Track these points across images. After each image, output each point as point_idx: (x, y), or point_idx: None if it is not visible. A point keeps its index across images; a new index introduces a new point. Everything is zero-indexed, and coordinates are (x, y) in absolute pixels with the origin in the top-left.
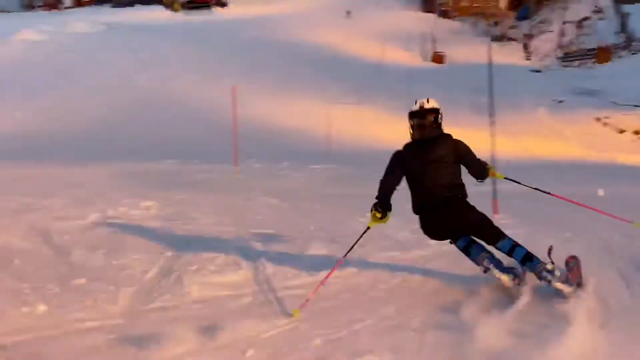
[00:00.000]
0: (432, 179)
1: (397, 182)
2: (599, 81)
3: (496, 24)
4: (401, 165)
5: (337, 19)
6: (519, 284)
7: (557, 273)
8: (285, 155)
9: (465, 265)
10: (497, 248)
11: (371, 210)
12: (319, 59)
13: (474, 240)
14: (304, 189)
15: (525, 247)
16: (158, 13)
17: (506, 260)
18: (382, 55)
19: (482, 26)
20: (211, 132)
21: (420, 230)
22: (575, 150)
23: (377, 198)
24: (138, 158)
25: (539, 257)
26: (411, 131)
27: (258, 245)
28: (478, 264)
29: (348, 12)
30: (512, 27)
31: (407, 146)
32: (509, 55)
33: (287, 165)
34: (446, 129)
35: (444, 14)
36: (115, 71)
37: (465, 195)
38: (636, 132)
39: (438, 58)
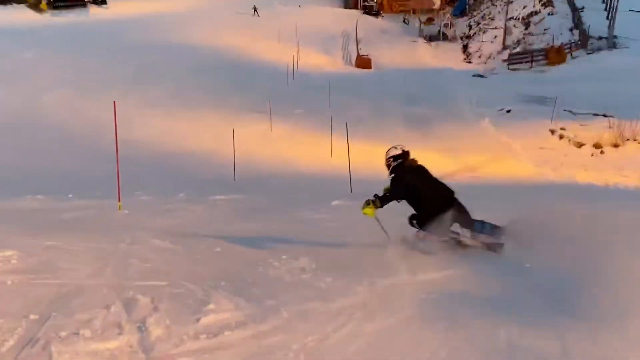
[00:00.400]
0: None
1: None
2: (552, 86)
3: (430, 21)
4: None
5: (241, 16)
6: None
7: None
8: (181, 184)
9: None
10: None
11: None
12: (219, 65)
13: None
14: (203, 226)
15: None
16: (19, 14)
17: None
18: (296, 60)
19: (413, 24)
20: (89, 159)
21: (345, 277)
22: (528, 169)
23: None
24: None
25: None
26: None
27: (145, 302)
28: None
29: (254, 9)
30: (448, 25)
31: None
32: (446, 57)
33: (183, 198)
34: (374, 145)
35: (369, 11)
36: None
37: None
38: (596, 146)
39: (363, 62)
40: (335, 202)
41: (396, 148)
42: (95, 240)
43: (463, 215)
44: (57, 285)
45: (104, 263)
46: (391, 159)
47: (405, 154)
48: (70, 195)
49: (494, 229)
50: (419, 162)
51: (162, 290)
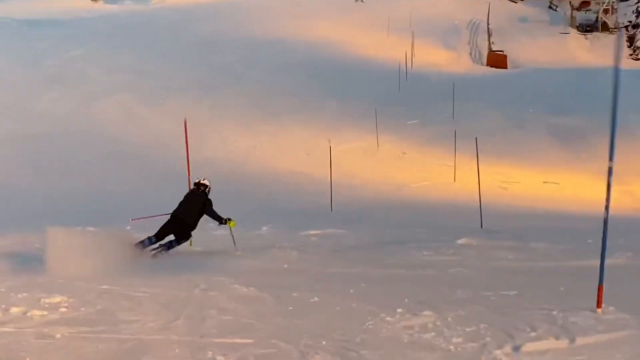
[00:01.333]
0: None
1: None
2: None
3: (584, 5)
4: None
5: (341, 4)
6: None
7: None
8: (266, 215)
9: None
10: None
11: None
12: (312, 64)
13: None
14: (294, 269)
15: None
16: (67, 2)
17: None
18: (409, 56)
19: (562, 10)
20: (148, 180)
21: (479, 337)
22: None
23: None
24: (36, 222)
25: None
26: None
27: None
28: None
29: None
30: (608, 11)
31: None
32: (605, 53)
33: (268, 231)
34: (510, 166)
35: None
36: (3, 89)
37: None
38: None
39: (496, 59)
40: (461, 241)
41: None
42: (161, 285)
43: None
44: (116, 341)
45: (174, 314)
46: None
47: (198, 186)
48: (129, 228)
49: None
50: None
51: (247, 349)
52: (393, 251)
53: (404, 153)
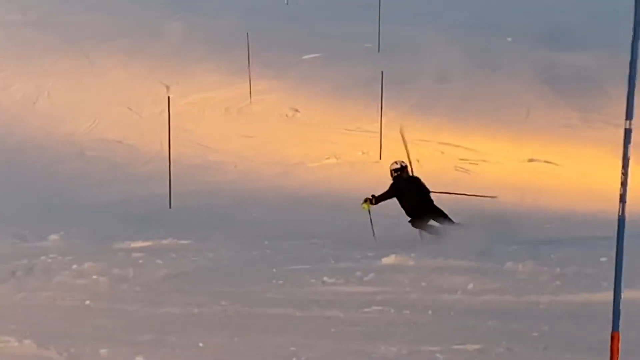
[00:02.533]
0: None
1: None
2: None
3: None
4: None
5: None
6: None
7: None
8: (55, 215)
9: None
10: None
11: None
12: None
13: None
14: (102, 308)
15: None
16: None
17: None
18: None
19: None
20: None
21: None
22: None
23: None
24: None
25: None
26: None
27: None
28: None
29: None
30: None
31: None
32: None
33: (59, 243)
34: (471, 133)
35: None
36: None
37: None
38: None
39: None
40: (388, 259)
41: (396, 163)
42: None
43: (437, 216)
44: None
45: None
46: (393, 172)
47: (403, 168)
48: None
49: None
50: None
51: None
52: (272, 276)
53: (296, 111)
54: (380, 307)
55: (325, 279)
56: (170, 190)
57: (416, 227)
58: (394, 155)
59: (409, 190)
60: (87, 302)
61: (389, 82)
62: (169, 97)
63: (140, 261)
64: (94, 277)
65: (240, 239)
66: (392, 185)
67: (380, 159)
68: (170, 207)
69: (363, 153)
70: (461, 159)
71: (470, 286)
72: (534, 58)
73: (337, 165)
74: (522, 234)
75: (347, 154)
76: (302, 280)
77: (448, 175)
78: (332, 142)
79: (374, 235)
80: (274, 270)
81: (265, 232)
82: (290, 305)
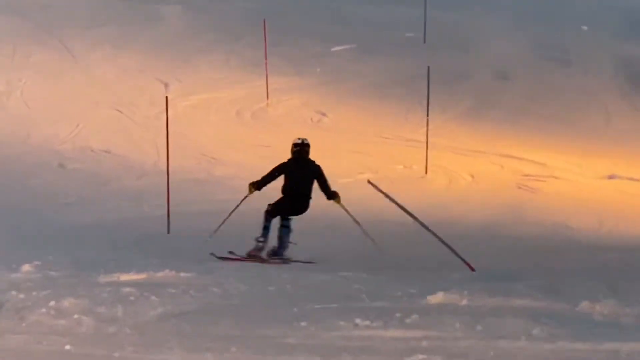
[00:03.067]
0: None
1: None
2: None
3: None
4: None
5: None
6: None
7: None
8: (29, 241)
9: None
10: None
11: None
12: None
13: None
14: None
15: None
16: None
17: None
18: None
19: None
20: None
21: None
22: None
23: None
24: None
25: None
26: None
27: None
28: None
29: None
30: None
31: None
32: None
33: (32, 277)
34: (538, 142)
35: None
36: None
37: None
38: None
39: None
40: (436, 297)
41: (298, 139)
42: None
43: (294, 211)
44: None
45: None
46: (293, 146)
47: (304, 145)
48: None
49: (284, 242)
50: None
51: None
52: (293, 317)
53: (323, 114)
54: (425, 356)
55: (357, 321)
56: (168, 211)
57: (269, 217)
58: (442, 169)
59: (297, 173)
60: (68, 347)
61: (436, 80)
62: (167, 98)
63: (132, 298)
64: (76, 316)
65: (253, 271)
66: (281, 164)
67: (426, 174)
68: (168, 232)
69: (405, 167)
70: (525, 174)
71: (536, 331)
72: (613, 51)
73: (376, 179)
74: (599, 267)
75: (385, 167)
76: (330, 323)
77: (509, 194)
78: (367, 154)
79: (372, 241)
80: (295, 309)
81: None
82: (316, 352)
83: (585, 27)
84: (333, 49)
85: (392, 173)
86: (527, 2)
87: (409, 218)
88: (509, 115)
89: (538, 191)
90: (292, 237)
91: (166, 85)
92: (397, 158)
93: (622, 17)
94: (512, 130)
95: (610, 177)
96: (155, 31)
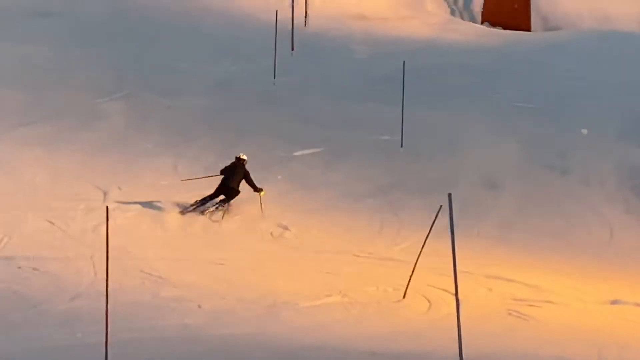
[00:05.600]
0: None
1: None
2: None
3: None
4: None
5: None
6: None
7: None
8: None
9: None
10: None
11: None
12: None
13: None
14: None
15: None
16: None
17: None
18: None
19: None
20: None
21: None
22: None
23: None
24: None
25: None
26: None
27: None
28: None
29: None
30: None
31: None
32: None
33: None
34: (530, 261)
35: None
36: None
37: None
38: None
39: (505, 9)
40: None
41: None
42: None
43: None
44: None
45: None
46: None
47: (239, 161)
48: None
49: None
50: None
51: None
52: None
53: (285, 228)
54: None
55: None
56: (106, 338)
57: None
58: (421, 292)
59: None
60: None
61: (414, 189)
62: (107, 207)
63: None
64: None
65: None
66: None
67: (404, 297)
68: None
69: (379, 289)
70: (516, 299)
71: None
72: (617, 158)
73: (342, 305)
74: None
75: (356, 289)
76: None
77: (497, 322)
78: (335, 273)
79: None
80: None
81: None
82: None
83: (585, 131)
84: (296, 153)
85: (364, 296)
86: (517, 99)
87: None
88: (498, 230)
89: (531, 318)
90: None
91: (105, 193)
92: (370, 279)
93: (627, 119)
94: (501, 248)
95: (614, 302)
96: (94, 131)
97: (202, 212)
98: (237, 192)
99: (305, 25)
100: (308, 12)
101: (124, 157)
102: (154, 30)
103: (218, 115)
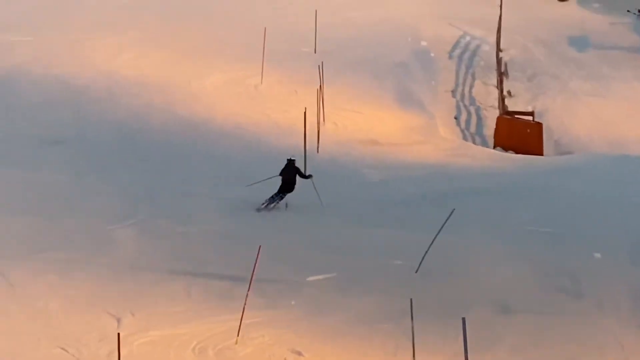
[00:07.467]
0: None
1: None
2: None
3: None
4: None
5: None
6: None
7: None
8: None
9: None
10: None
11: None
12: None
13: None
14: None
15: None
16: None
17: None
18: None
19: None
20: None
21: None
22: None
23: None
24: None
25: None
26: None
27: None
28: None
29: None
30: None
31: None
32: None
33: None
34: None
35: None
36: None
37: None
38: None
39: (518, 133)
40: None
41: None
42: None
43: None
44: None
45: None
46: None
47: (290, 161)
48: None
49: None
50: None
51: None
52: None
53: (299, 354)
54: None
55: None
56: None
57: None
58: None
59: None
60: None
61: (426, 314)
62: (118, 334)
63: None
64: None
65: None
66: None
67: None
68: None
69: None
70: None
71: None
72: (631, 283)
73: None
74: None
75: None
76: None
77: None
78: None
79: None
80: None
81: None
82: None
83: (598, 255)
84: (309, 279)
85: None
86: (530, 222)
87: None
88: (512, 355)
89: None
90: None
91: (118, 320)
92: None
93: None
94: None
95: None
96: (107, 257)
97: (270, 209)
98: (295, 184)
99: (317, 151)
100: (320, 138)
101: (137, 284)
102: (168, 154)
103: (231, 241)
